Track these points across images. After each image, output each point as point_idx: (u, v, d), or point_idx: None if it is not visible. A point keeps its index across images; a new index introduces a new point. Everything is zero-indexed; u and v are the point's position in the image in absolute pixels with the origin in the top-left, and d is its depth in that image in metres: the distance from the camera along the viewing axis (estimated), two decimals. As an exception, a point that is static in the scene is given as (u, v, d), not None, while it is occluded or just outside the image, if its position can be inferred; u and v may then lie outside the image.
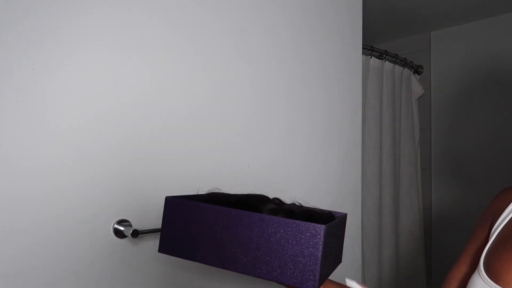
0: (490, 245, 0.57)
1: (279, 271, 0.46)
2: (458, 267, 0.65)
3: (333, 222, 0.50)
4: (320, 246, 0.44)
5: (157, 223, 0.84)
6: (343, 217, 0.57)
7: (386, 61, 1.89)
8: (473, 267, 0.62)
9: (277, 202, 0.57)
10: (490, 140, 1.94)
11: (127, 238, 0.80)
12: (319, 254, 0.44)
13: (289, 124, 1.10)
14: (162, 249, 0.52)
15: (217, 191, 0.61)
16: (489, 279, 0.52)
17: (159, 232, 0.82)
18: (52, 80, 0.71)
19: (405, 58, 2.03)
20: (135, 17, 0.82)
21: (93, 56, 0.76)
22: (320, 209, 0.59)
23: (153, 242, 0.84)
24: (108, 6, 0.78)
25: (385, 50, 1.87)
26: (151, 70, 0.84)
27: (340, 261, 0.57)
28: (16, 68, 0.68)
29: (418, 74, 2.20)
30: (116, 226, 0.78)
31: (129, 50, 0.81)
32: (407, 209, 2.03)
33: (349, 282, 0.55)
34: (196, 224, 0.49)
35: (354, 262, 1.26)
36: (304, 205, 0.61)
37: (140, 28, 0.82)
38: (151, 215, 0.83)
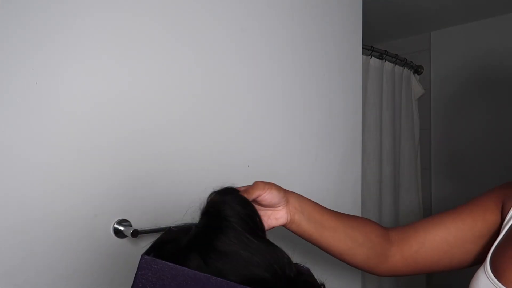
0: (499, 241, 0.56)
1: None
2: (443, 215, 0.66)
3: None
4: None
5: (157, 223, 0.84)
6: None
7: (386, 61, 1.89)
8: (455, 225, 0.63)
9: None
10: (490, 140, 1.94)
11: (127, 238, 0.80)
12: None
13: (289, 124, 1.10)
14: None
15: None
16: (492, 276, 0.51)
17: (159, 232, 0.82)
18: (52, 80, 0.71)
19: (405, 58, 2.03)
20: (135, 18, 0.82)
21: (93, 56, 0.76)
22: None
23: (153, 242, 0.84)
24: (108, 7, 0.78)
25: (385, 50, 1.87)
26: (151, 70, 0.84)
27: None
28: (16, 68, 0.68)
29: (418, 74, 2.19)
30: (116, 226, 0.78)
31: (129, 50, 0.81)
32: (407, 209, 2.03)
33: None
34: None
35: (354, 262, 1.26)
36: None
37: (140, 29, 0.82)
38: (151, 215, 0.83)
